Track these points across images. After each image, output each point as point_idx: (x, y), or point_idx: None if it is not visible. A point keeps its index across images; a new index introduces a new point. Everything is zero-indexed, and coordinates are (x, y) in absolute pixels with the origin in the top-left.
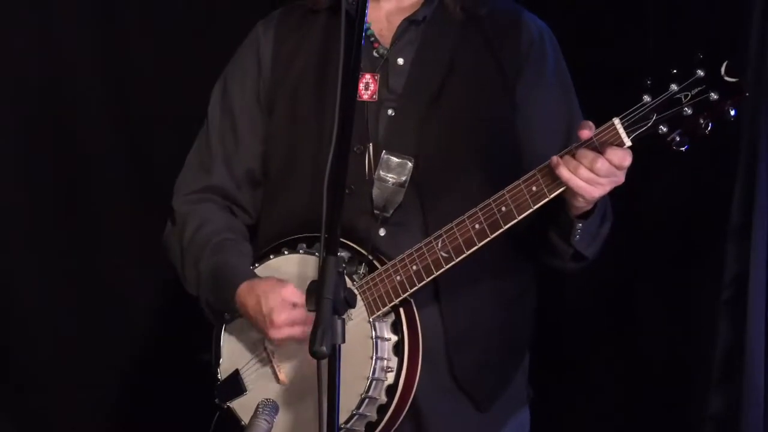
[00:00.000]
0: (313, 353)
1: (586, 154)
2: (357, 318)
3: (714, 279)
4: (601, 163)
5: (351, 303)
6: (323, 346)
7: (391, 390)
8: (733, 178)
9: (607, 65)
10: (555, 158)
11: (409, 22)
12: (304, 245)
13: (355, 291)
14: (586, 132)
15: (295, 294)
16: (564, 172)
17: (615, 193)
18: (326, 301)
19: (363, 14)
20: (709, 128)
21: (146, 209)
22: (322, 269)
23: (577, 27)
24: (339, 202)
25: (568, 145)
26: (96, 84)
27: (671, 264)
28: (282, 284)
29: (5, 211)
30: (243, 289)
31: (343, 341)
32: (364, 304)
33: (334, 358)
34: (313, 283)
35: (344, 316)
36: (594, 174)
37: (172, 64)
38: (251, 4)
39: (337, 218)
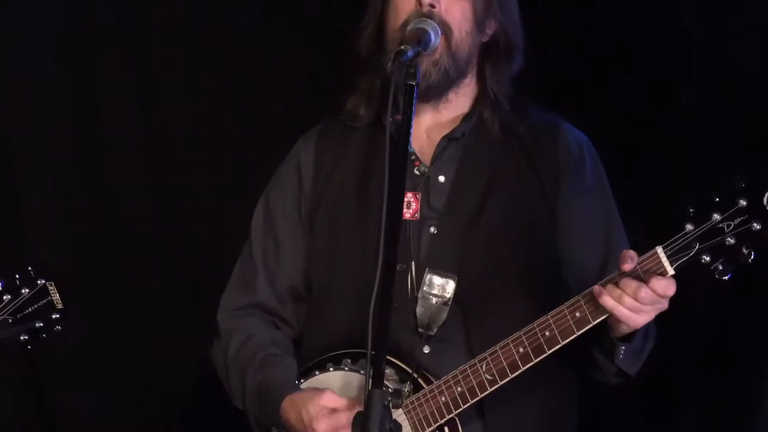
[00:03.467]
0: None
1: (630, 284)
2: None
3: (755, 387)
4: (645, 293)
5: None
6: None
7: None
8: None
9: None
10: (597, 287)
11: (449, 140)
12: (349, 361)
13: (402, 414)
14: (628, 265)
15: (333, 400)
16: (608, 301)
17: None
18: None
19: (407, 140)
20: (752, 258)
21: (184, 277)
22: (367, 402)
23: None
24: (383, 335)
25: (608, 257)
26: (132, 135)
27: (712, 370)
28: (320, 392)
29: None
30: (286, 403)
31: None
32: (409, 424)
33: None
34: (359, 414)
35: None
36: (638, 303)
37: (210, 121)
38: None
39: (382, 352)
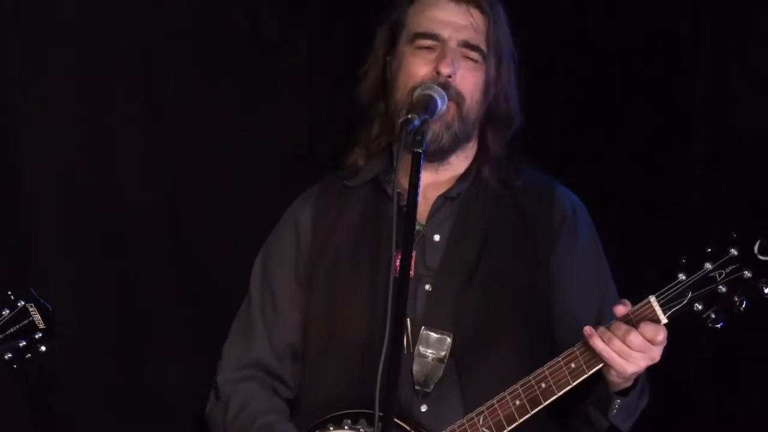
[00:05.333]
0: None
1: (620, 326)
2: None
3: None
4: (634, 336)
5: None
6: None
7: None
8: None
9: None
10: (589, 328)
11: (444, 198)
12: (349, 421)
13: None
14: (621, 309)
15: None
16: (597, 343)
17: None
18: None
19: (414, 208)
20: (743, 306)
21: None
22: None
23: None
24: (391, 397)
25: (602, 316)
26: (147, 194)
27: (717, 410)
28: None
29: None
30: None
31: None
32: None
33: None
34: None
35: None
36: (627, 347)
37: (217, 142)
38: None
39: (390, 415)
